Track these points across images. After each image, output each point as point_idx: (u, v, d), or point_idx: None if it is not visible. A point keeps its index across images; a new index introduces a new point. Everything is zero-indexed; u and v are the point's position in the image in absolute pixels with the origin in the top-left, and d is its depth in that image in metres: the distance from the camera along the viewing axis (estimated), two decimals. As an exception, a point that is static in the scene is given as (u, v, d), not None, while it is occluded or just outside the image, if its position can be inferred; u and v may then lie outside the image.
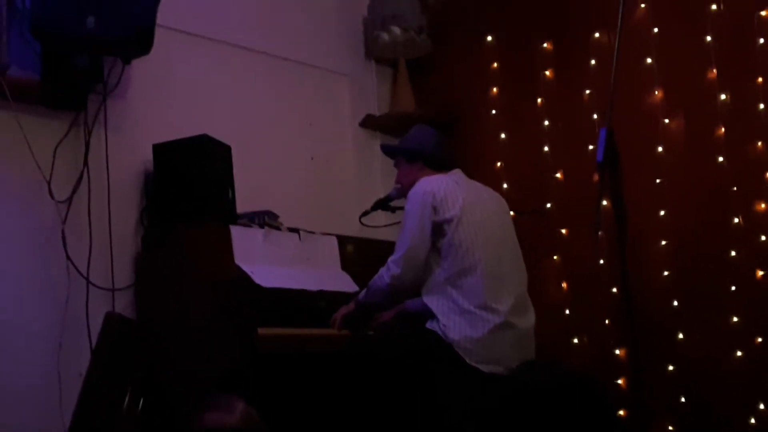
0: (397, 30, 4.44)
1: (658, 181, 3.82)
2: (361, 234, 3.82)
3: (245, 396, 2.77)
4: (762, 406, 3.51)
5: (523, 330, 3.06)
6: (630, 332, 3.40)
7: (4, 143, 3.08)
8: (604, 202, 3.07)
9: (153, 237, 3.34)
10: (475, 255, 3.02)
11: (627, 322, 3.41)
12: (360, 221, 3.73)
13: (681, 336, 3.71)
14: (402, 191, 3.40)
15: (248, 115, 3.90)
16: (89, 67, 3.24)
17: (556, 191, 4.11)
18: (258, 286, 3.13)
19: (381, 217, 3.85)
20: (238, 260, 3.18)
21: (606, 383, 3.60)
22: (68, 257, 3.17)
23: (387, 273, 3.10)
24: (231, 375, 2.96)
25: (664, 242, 3.79)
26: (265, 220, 3.44)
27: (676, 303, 3.73)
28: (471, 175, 3.37)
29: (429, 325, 3.02)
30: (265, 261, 3.28)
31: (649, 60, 3.90)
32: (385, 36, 4.44)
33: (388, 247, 3.27)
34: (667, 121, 3.86)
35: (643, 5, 3.94)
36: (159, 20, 3.21)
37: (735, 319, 3.61)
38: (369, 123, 4.45)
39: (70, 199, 3.21)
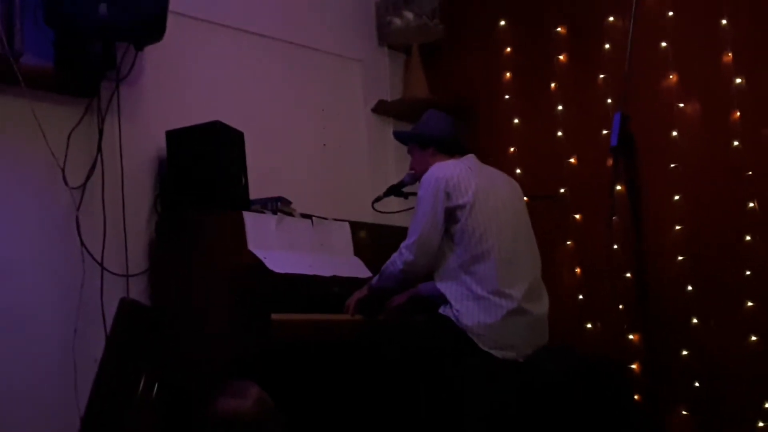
0: (409, 15, 4.42)
1: (672, 165, 3.79)
2: (374, 220, 3.82)
3: (259, 382, 2.78)
4: (776, 392, 3.50)
5: (537, 316, 3.06)
6: (644, 318, 3.41)
7: (18, 130, 3.09)
8: (618, 187, 3.06)
9: (166, 223, 3.35)
10: (489, 241, 3.02)
11: (641, 307, 3.41)
12: (373, 207, 3.72)
13: (695, 321, 3.70)
14: (415, 177, 3.40)
15: (261, 102, 3.90)
16: (102, 54, 3.24)
17: (569, 176, 4.09)
18: (271, 271, 3.14)
19: (394, 203, 3.85)
20: (251, 246, 3.18)
21: (621, 368, 3.59)
22: (82, 243, 3.18)
23: (400, 258, 3.11)
24: (245, 361, 2.98)
25: (678, 227, 3.77)
26: (278, 206, 3.45)
27: (690, 288, 3.72)
28: (484, 160, 3.36)
29: (442, 310, 3.03)
30: (278, 247, 3.29)
31: (663, 44, 3.87)
32: (398, 21, 4.42)
33: (401, 233, 3.27)
34: (681, 105, 3.83)
35: (657, -12, 3.91)
36: (171, 7, 3.20)
37: (750, 304, 3.59)
38: (382, 109, 4.44)
39: (84, 186, 3.22)
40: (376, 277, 3.25)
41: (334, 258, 3.48)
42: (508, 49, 4.35)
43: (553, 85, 4.19)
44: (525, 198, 3.38)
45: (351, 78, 4.37)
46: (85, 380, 3.02)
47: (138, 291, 3.30)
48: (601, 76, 4.03)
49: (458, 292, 3.01)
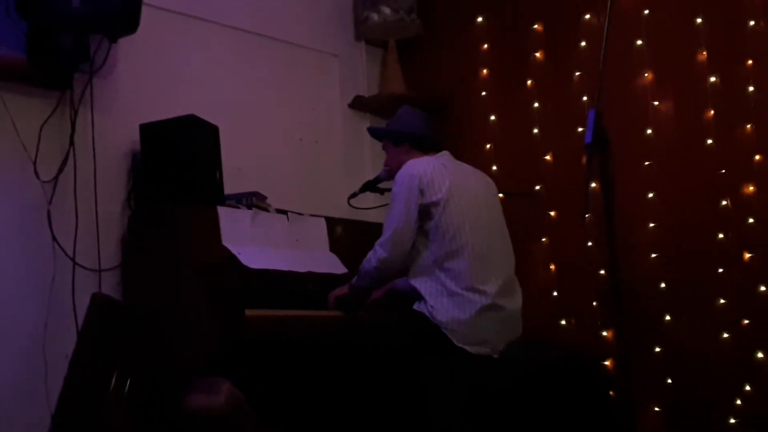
0: (387, 10, 4.41)
1: (646, 163, 3.82)
2: (350, 216, 3.81)
3: (232, 378, 2.77)
4: (748, 388, 3.53)
5: (511, 312, 3.07)
6: (617, 314, 3.40)
7: (-11, 123, 3.06)
8: (593, 185, 3.07)
9: (140, 217, 3.33)
10: (462, 238, 3.02)
11: (614, 304, 3.41)
12: (348, 203, 3.72)
13: (668, 318, 3.73)
14: (390, 173, 3.39)
15: (236, 96, 3.87)
16: (75, 46, 3.21)
17: (545, 173, 4.11)
18: (245, 267, 3.13)
19: (370, 198, 3.84)
20: (226, 241, 3.17)
21: (596, 363, 3.61)
22: (54, 238, 3.15)
23: (374, 256, 3.11)
24: (218, 357, 2.96)
25: (652, 224, 3.80)
26: (253, 201, 3.43)
27: (663, 285, 3.75)
28: (460, 156, 3.36)
29: (417, 306, 3.03)
30: (252, 242, 3.27)
31: (639, 42, 3.89)
32: (375, 16, 4.41)
33: (376, 229, 3.26)
34: (656, 103, 3.85)
35: (633, -13, 3.93)
36: (145, -1, 3.18)
37: (722, 301, 3.63)
38: (358, 104, 4.43)
39: (56, 179, 3.19)
40: (356, 276, 3.25)
41: (309, 254, 3.47)
42: (485, 46, 4.36)
43: (529, 82, 4.20)
44: (500, 195, 3.38)
45: (328, 73, 4.36)
46: (56, 376, 3.00)
47: (110, 286, 3.28)
48: (577, 73, 4.05)
49: (432, 288, 3.01)
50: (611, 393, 3.59)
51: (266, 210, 3.46)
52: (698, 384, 3.62)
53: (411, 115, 3.37)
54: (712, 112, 3.72)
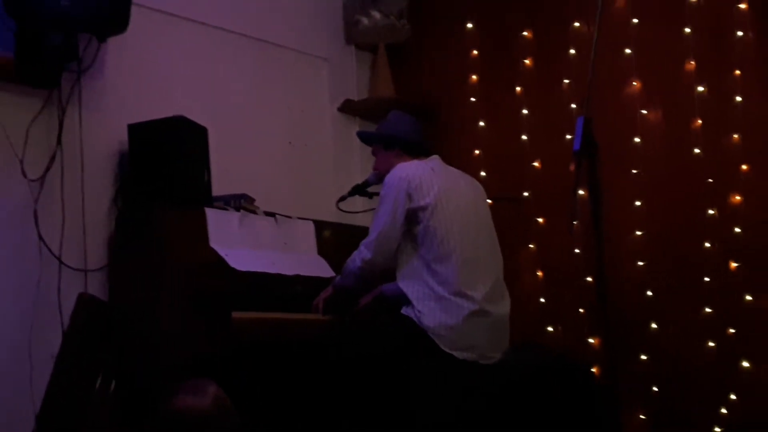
0: (377, 15, 4.41)
1: (634, 171, 3.84)
2: (338, 219, 3.80)
3: (218, 380, 2.76)
4: (733, 397, 3.55)
5: (498, 317, 3.07)
6: (604, 321, 3.41)
7: (-24, 121, 3.03)
8: (581, 192, 3.08)
9: (127, 218, 3.30)
10: (451, 242, 3.03)
11: (601, 311, 3.41)
12: (337, 206, 3.71)
13: (654, 326, 3.74)
14: (380, 177, 3.39)
15: (225, 98, 3.86)
16: (64, 45, 3.19)
17: (533, 180, 4.12)
18: (233, 269, 3.11)
19: (358, 202, 3.84)
20: (213, 243, 3.15)
21: (584, 367, 3.61)
22: (40, 237, 3.13)
23: (359, 256, 3.12)
24: (204, 359, 2.94)
25: (639, 232, 3.81)
26: (241, 203, 3.42)
27: (650, 293, 3.76)
28: (449, 162, 3.37)
29: (404, 311, 3.03)
30: (240, 244, 3.26)
31: (627, 51, 3.91)
32: (365, 20, 4.41)
33: (364, 233, 3.26)
34: (644, 112, 3.87)
35: (622, -5, 3.95)
36: (135, -1, 3.17)
37: (708, 310, 3.64)
38: (348, 108, 4.43)
39: (42, 178, 3.16)
40: (339, 275, 3.24)
41: (297, 257, 3.46)
42: (475, 52, 4.37)
43: (518, 88, 4.21)
44: (489, 200, 3.39)
45: (317, 76, 4.36)
46: (41, 376, 2.97)
47: (96, 286, 3.25)
48: (566, 81, 4.07)
49: (420, 291, 3.01)
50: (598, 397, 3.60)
51: (254, 212, 3.45)
52: (684, 392, 3.63)
53: (401, 119, 3.37)
54: (700, 121, 3.74)
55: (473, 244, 3.09)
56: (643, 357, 3.73)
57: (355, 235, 3.53)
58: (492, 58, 4.33)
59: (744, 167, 3.65)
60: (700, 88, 3.75)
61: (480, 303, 3.00)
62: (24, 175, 3.11)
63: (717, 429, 3.55)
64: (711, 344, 3.62)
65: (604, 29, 2.95)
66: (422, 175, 3.11)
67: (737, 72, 3.68)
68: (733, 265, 3.62)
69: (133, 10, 3.17)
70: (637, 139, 3.86)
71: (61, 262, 3.16)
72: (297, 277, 3.34)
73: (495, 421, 2.90)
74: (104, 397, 2.94)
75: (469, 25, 4.39)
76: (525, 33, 4.22)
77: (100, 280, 3.27)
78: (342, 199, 3.69)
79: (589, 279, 3.81)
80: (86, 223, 3.24)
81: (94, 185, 3.30)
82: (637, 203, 3.82)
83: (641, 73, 3.88)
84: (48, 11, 2.99)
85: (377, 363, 2.99)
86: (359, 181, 3.72)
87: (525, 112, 4.19)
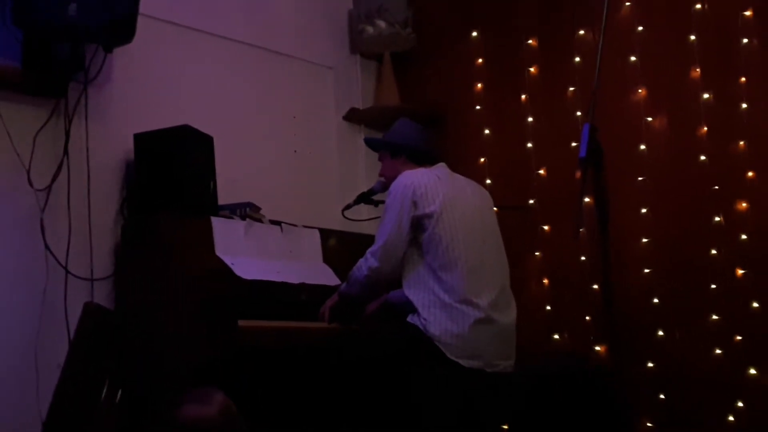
0: (382, 24, 4.42)
1: (640, 179, 3.83)
2: (344, 227, 3.81)
3: (225, 389, 2.76)
4: (740, 404, 3.53)
5: (504, 325, 3.06)
6: (610, 329, 3.41)
7: (-17, 131, 3.05)
8: (586, 199, 3.07)
9: (133, 227, 3.31)
10: (456, 250, 3.02)
11: (607, 319, 3.41)
12: (343, 215, 3.71)
13: (661, 333, 3.73)
14: (385, 185, 3.40)
15: (231, 107, 3.88)
16: (71, 55, 3.21)
17: (538, 188, 4.12)
18: (239, 278, 3.12)
19: (363, 210, 3.84)
20: (219, 252, 3.16)
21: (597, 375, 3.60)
22: (47, 246, 3.14)
23: (365, 264, 3.11)
24: (210, 368, 2.95)
25: (645, 240, 3.80)
26: (246, 212, 3.43)
27: (656, 300, 3.75)
28: (454, 170, 3.36)
29: (410, 319, 3.02)
30: (246, 253, 3.27)
31: (633, 58, 3.91)
32: (371, 29, 4.42)
33: (370, 241, 3.26)
34: (650, 119, 3.87)
35: (627, 3, 3.95)
36: (141, 9, 3.18)
37: (714, 317, 3.63)
38: (353, 116, 4.44)
39: (49, 188, 3.18)
40: (345, 283, 3.25)
41: (302, 265, 3.47)
42: (480, 60, 4.37)
43: (523, 96, 4.21)
44: (495, 208, 3.39)
45: (323, 85, 4.37)
46: (47, 385, 2.98)
47: (103, 295, 3.26)
48: (571, 88, 4.07)
49: (426, 299, 3.01)
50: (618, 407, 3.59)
51: (260, 221, 3.45)
52: (690, 399, 3.61)
53: (408, 127, 3.38)
54: (706, 128, 3.73)
55: (479, 252, 3.08)
56: (650, 364, 3.72)
57: (360, 243, 3.53)
58: (497, 66, 4.33)
59: (750, 174, 3.64)
60: (706, 95, 3.74)
61: (486, 311, 2.99)
62: (30, 184, 3.13)
63: (724, 436, 3.54)
64: (718, 351, 3.60)
65: (609, 37, 2.97)
66: (427, 183, 3.11)
67: (743, 79, 3.68)
68: (740, 271, 3.61)
69: (140, 20, 3.18)
70: (642, 147, 3.85)
71: (67, 272, 3.17)
72: (302, 285, 3.35)
73: (499, 429, 2.90)
74: (110, 406, 2.95)
75: (474, 34, 4.39)
76: (530, 41, 4.23)
77: (106, 289, 3.28)
78: (347, 207, 3.69)
79: (596, 286, 3.80)
80: (92, 233, 3.25)
81: (101, 195, 3.31)
82: (643, 210, 3.82)
83: (646, 80, 3.88)
84: (55, 21, 3.01)
85: (383, 370, 2.99)
86: (364, 189, 3.72)
87: (530, 119, 4.18)
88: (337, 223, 3.81)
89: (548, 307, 4.02)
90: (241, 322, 3.04)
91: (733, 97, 3.68)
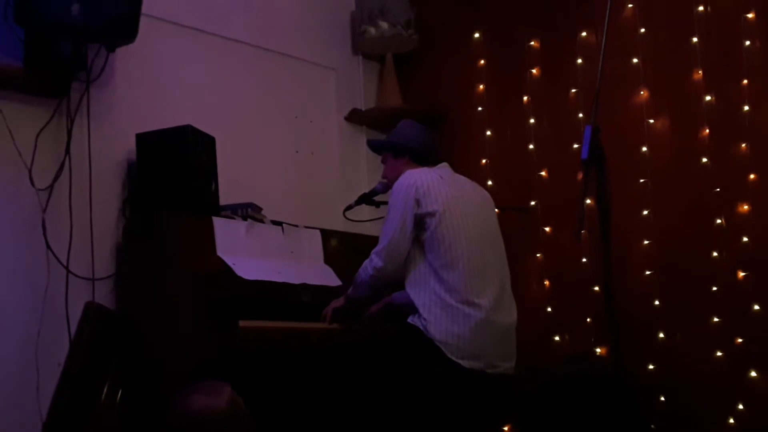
0: (384, 25, 4.42)
1: (642, 180, 3.83)
2: (345, 228, 3.81)
3: (225, 388, 2.75)
4: (741, 407, 3.53)
5: (505, 326, 3.06)
6: (611, 331, 3.41)
7: (-15, 130, 3.05)
8: (588, 201, 3.07)
9: (134, 227, 3.31)
10: (458, 250, 3.03)
11: (608, 320, 3.41)
12: (344, 215, 3.72)
13: (662, 335, 3.73)
14: (387, 186, 3.40)
15: (233, 107, 3.88)
16: (73, 54, 3.21)
17: (540, 189, 4.12)
18: (240, 278, 3.12)
19: (365, 211, 3.84)
20: (220, 252, 3.16)
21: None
22: (48, 246, 3.14)
23: (370, 265, 3.12)
24: (211, 367, 2.94)
25: (646, 242, 3.80)
26: (248, 212, 3.43)
27: (657, 302, 3.75)
28: (456, 171, 3.37)
29: (411, 319, 3.03)
30: (247, 253, 3.26)
31: (635, 60, 3.91)
32: (373, 30, 4.42)
33: (371, 242, 3.26)
34: (652, 121, 3.87)
35: (630, 5, 3.95)
36: (144, 9, 3.18)
37: (716, 319, 3.63)
38: (355, 117, 4.44)
39: (51, 187, 3.18)
40: (351, 287, 3.24)
41: (304, 266, 3.47)
42: (482, 62, 4.37)
43: (525, 98, 4.21)
44: (496, 209, 3.39)
45: (325, 86, 4.37)
46: (48, 384, 2.98)
47: (104, 295, 3.25)
48: (573, 90, 4.07)
49: (427, 298, 3.01)
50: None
51: (261, 221, 3.45)
52: (691, 402, 3.61)
53: (411, 128, 3.38)
54: (708, 130, 3.73)
55: (480, 253, 3.08)
56: (651, 366, 3.72)
57: (361, 244, 3.53)
58: (499, 68, 4.33)
59: (752, 176, 3.64)
60: (708, 97, 3.74)
61: (487, 312, 2.99)
62: (32, 184, 3.13)
63: (725, 439, 3.54)
64: (719, 354, 3.60)
65: (611, 38, 2.97)
66: (430, 182, 3.12)
67: (745, 81, 3.67)
68: (741, 274, 3.60)
69: (142, 20, 3.18)
70: (644, 149, 3.85)
71: (68, 271, 3.17)
72: (304, 285, 3.35)
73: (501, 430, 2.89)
74: (111, 406, 2.95)
75: (477, 35, 4.39)
76: (532, 42, 4.23)
77: (107, 289, 3.28)
78: (349, 208, 3.69)
79: (597, 288, 3.80)
80: (94, 232, 3.25)
81: (102, 194, 3.31)
82: (645, 213, 3.81)
83: (649, 82, 3.88)
84: (58, 21, 3.01)
85: (384, 371, 2.99)
86: (366, 190, 3.73)
87: (532, 121, 4.18)
88: (338, 224, 3.81)
89: (549, 309, 4.02)
90: (242, 323, 3.04)
91: (736, 99, 3.68)
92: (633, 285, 3.74)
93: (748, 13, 3.70)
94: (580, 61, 4.06)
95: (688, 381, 3.63)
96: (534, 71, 4.21)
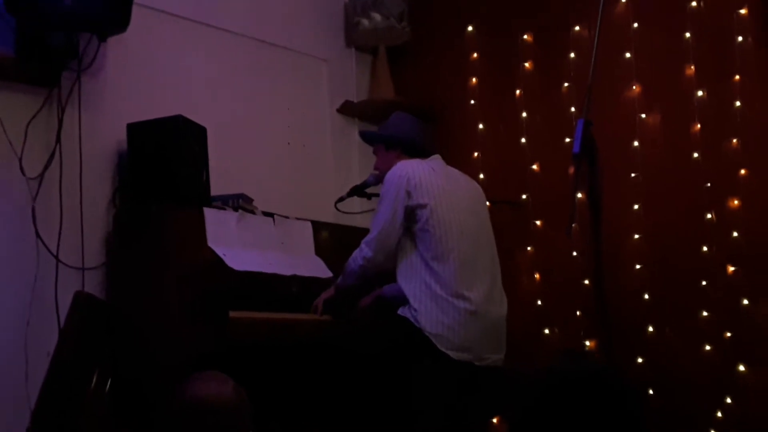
0: (377, 17, 4.42)
1: (633, 175, 3.84)
2: (336, 220, 3.81)
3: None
4: (729, 400, 3.54)
5: (495, 319, 3.07)
6: (601, 324, 3.42)
7: (-25, 118, 3.03)
8: (579, 195, 3.08)
9: (125, 217, 3.31)
10: (449, 242, 3.03)
11: (598, 314, 3.43)
12: (335, 207, 3.71)
13: (651, 329, 3.74)
14: (379, 178, 3.40)
15: (225, 98, 3.87)
16: (64, 43, 3.20)
17: (532, 183, 4.12)
18: (230, 269, 3.11)
19: (356, 203, 3.84)
20: (211, 243, 3.15)
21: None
22: (38, 235, 3.13)
23: (360, 254, 3.12)
24: (201, 358, 2.94)
25: (637, 236, 3.81)
26: (239, 203, 3.42)
27: (647, 296, 3.76)
28: (448, 164, 3.37)
29: (401, 311, 3.03)
30: (238, 244, 3.26)
31: (627, 55, 3.91)
32: (366, 22, 4.42)
33: (362, 234, 3.26)
34: (643, 116, 3.87)
35: (623, 0, 3.95)
36: (136, -2, 3.18)
37: (705, 314, 3.64)
38: (347, 109, 4.43)
39: (41, 176, 3.17)
40: (341, 276, 3.24)
41: (294, 257, 3.46)
42: (475, 55, 4.37)
43: (518, 92, 4.21)
44: (488, 203, 3.39)
45: (317, 77, 4.36)
46: (36, 373, 2.98)
47: (94, 285, 3.25)
48: (566, 84, 4.07)
49: (418, 289, 3.01)
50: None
51: (252, 212, 3.45)
52: (679, 395, 3.63)
53: (403, 120, 3.38)
54: (699, 126, 3.74)
55: (471, 245, 3.09)
56: (640, 360, 3.73)
57: (353, 235, 3.53)
58: (492, 61, 4.33)
59: (743, 172, 3.64)
60: (700, 93, 3.74)
61: (477, 304, 3.00)
62: (22, 172, 3.12)
63: (713, 432, 3.55)
64: (708, 348, 3.61)
65: (604, 33, 2.98)
66: (422, 174, 3.12)
67: (737, 77, 3.68)
68: (731, 269, 3.61)
69: (134, 9, 3.17)
70: (636, 143, 3.86)
71: (58, 260, 3.16)
72: (294, 277, 3.35)
73: (488, 423, 2.90)
74: (100, 395, 2.94)
75: (470, 28, 4.39)
76: (525, 36, 4.22)
77: (97, 279, 3.27)
78: (340, 199, 3.69)
79: (587, 282, 3.81)
80: (84, 222, 3.24)
81: (93, 184, 3.30)
82: (635, 207, 3.82)
83: (641, 77, 3.88)
84: (49, 10, 2.99)
85: (373, 363, 2.99)
86: (358, 182, 3.72)
87: (524, 115, 4.18)
88: (329, 216, 3.81)
89: (539, 302, 4.02)
90: (232, 313, 3.03)
91: (727, 95, 3.69)
92: (623, 279, 3.75)
93: (741, 9, 3.71)
94: (573, 55, 4.06)
95: (677, 375, 3.64)
96: (527, 65, 4.21)
